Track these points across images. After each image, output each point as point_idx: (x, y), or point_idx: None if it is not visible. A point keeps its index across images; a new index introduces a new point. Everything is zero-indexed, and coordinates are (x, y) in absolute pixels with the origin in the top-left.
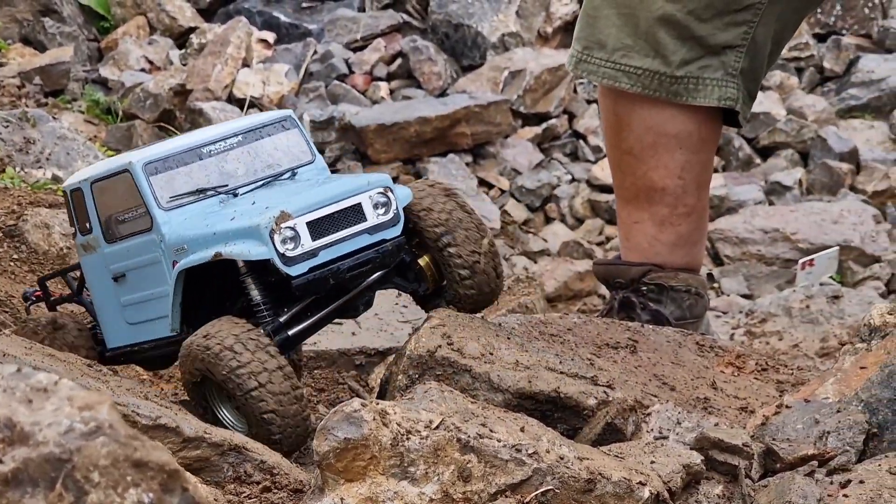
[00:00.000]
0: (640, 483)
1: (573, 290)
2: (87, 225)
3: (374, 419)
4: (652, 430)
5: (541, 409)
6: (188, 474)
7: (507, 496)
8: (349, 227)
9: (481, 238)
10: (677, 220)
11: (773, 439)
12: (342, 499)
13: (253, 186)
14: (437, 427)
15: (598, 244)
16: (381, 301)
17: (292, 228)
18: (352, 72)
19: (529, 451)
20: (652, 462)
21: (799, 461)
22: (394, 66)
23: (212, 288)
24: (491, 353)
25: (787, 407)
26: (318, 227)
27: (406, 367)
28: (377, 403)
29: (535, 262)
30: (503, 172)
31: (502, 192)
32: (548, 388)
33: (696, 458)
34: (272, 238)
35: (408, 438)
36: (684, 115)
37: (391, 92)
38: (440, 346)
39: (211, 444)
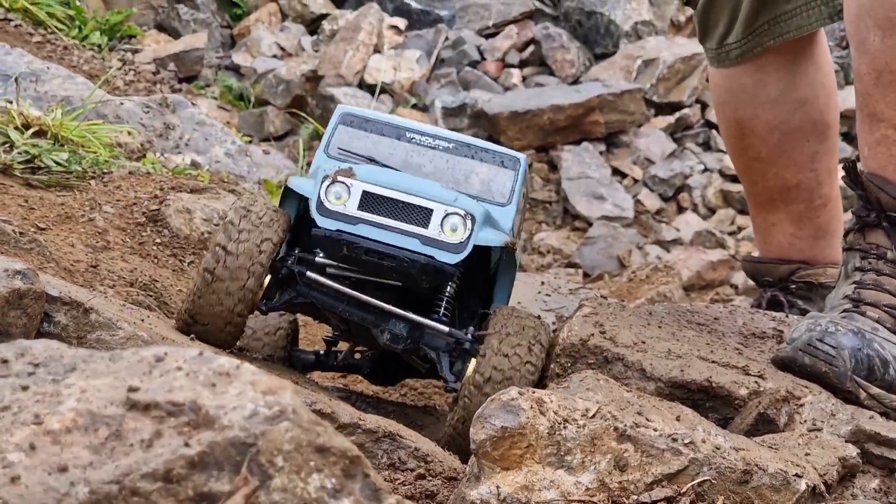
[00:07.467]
0: (796, 475)
1: (706, 280)
2: None
3: (531, 407)
4: (805, 421)
5: (692, 398)
6: (367, 461)
7: (663, 486)
8: (406, 223)
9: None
10: (815, 213)
11: None
12: (498, 487)
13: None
14: (593, 416)
15: (731, 233)
16: (524, 289)
17: (346, 186)
18: (483, 58)
19: (686, 441)
20: (807, 454)
21: None
22: (526, 53)
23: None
24: (643, 342)
25: None
26: (373, 203)
27: (558, 355)
28: (533, 392)
29: (668, 251)
30: (636, 161)
31: (635, 181)
32: (700, 377)
33: (853, 450)
34: (322, 182)
35: (564, 427)
36: (800, 80)
37: (524, 79)
38: (593, 335)
39: (365, 430)
